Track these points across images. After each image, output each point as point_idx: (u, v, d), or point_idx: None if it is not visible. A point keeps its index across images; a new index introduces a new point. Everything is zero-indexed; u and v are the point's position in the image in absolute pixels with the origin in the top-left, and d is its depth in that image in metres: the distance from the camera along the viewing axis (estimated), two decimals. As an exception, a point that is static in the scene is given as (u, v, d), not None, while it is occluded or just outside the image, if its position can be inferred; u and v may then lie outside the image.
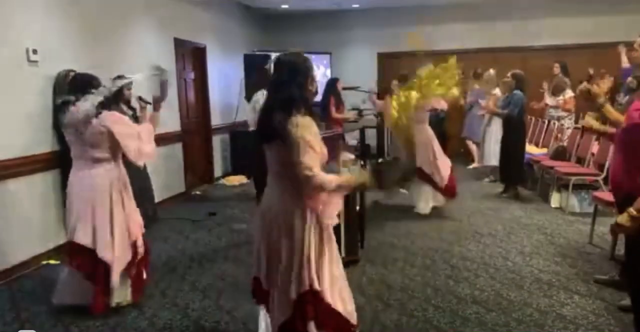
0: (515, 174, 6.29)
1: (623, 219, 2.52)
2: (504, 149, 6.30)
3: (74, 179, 3.25)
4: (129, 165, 3.42)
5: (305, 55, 2.36)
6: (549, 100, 7.37)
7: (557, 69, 7.47)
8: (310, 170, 2.15)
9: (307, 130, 2.17)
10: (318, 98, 6.63)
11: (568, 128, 6.85)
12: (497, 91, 6.93)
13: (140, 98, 5.45)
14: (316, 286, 2.27)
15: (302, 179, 2.18)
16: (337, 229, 4.10)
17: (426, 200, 5.58)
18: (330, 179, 2.22)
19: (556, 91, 7.22)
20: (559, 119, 7.10)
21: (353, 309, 2.44)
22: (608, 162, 4.84)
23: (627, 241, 2.88)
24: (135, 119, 5.14)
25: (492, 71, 7.48)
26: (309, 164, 2.15)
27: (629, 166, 2.72)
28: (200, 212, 5.89)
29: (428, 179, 5.49)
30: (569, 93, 6.98)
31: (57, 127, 3.99)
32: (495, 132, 6.96)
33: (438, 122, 9.52)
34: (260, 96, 4.93)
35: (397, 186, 2.32)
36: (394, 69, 9.35)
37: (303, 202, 2.28)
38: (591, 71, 7.34)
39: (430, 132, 5.60)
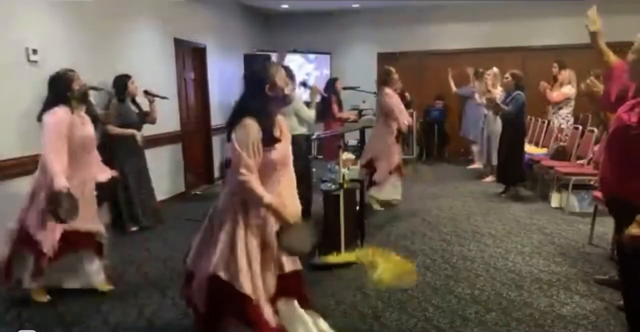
0: (514, 175, 6.29)
1: (635, 229, 2.31)
2: (503, 149, 6.30)
3: None
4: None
5: (270, 61, 2.44)
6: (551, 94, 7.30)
7: (555, 68, 7.45)
8: (241, 170, 2.24)
9: (244, 132, 2.25)
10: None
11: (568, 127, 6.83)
12: (498, 90, 6.91)
13: (146, 92, 5.42)
14: (220, 273, 2.30)
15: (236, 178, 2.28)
16: (337, 227, 4.12)
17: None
18: (261, 193, 2.26)
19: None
20: (557, 113, 7.06)
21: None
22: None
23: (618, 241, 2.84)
24: (142, 114, 5.13)
25: (495, 69, 7.46)
26: (243, 164, 2.24)
27: (616, 168, 2.61)
28: (200, 212, 5.86)
29: None
30: (566, 88, 6.95)
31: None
32: (499, 133, 6.94)
33: (437, 119, 9.59)
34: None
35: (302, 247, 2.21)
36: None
37: (237, 202, 2.35)
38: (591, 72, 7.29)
39: None
